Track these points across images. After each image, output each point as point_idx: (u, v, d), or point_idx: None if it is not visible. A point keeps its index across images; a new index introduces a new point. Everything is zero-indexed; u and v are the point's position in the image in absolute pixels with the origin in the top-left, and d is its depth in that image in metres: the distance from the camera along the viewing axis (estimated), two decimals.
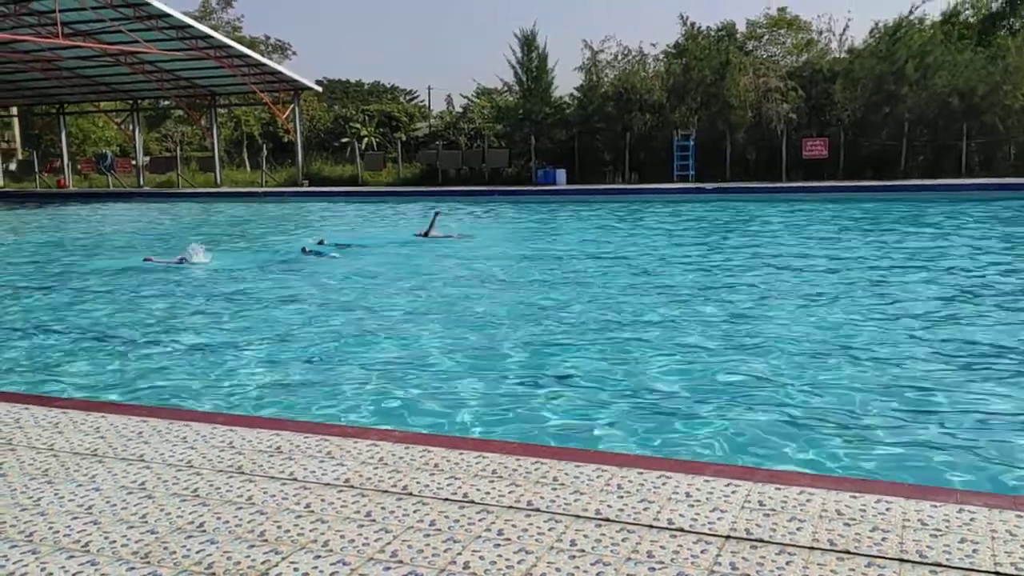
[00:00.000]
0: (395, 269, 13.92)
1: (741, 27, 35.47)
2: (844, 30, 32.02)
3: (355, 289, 12.13)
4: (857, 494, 3.65)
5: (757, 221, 19.96)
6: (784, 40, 34.55)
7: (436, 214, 18.19)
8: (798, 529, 3.33)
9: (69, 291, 12.67)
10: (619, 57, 33.11)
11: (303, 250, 15.80)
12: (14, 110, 48.16)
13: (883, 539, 3.22)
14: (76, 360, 8.27)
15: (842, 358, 7.48)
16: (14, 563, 3.17)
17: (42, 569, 3.11)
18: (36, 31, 31.07)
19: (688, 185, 28.40)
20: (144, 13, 30.16)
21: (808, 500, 3.60)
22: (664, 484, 3.79)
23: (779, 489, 3.72)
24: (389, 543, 3.28)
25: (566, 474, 3.94)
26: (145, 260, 15.09)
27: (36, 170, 42.15)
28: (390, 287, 12.24)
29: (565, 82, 47.12)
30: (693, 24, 33.69)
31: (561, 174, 30.92)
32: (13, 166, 45.09)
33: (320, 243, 16.23)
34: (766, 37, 35.11)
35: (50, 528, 3.47)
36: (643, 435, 5.74)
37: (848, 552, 3.13)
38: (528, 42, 33.86)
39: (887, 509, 3.49)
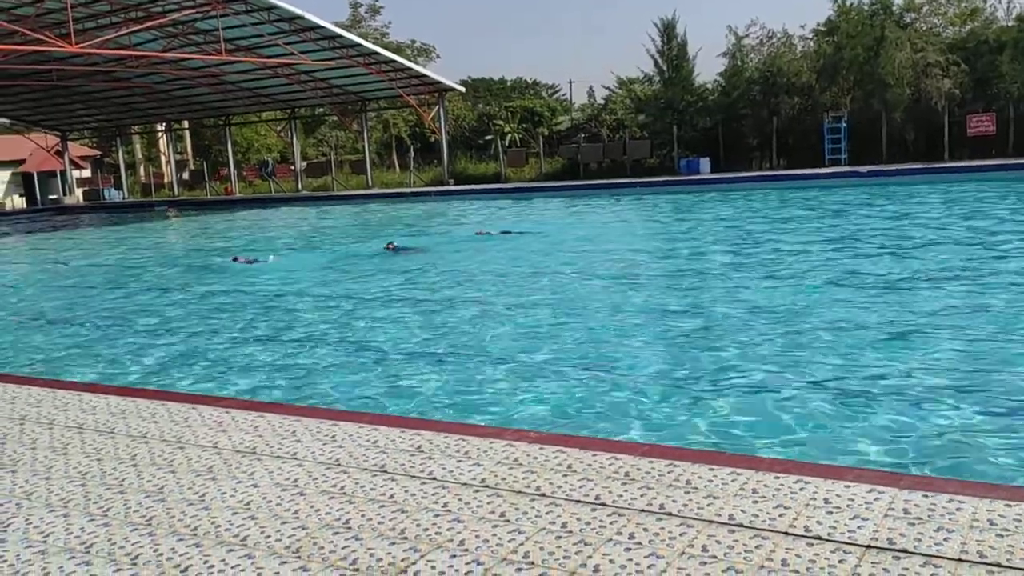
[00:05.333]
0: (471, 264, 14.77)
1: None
2: None
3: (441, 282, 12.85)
4: (1012, 502, 3.45)
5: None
6: (945, 11, 32.40)
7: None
8: (945, 540, 3.17)
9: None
10: (763, 41, 32.10)
11: (387, 247, 16.82)
12: (186, 123, 51.78)
13: None
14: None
15: None
16: (180, 555, 3.46)
17: (205, 562, 3.39)
18: (202, 49, 33.28)
19: (841, 169, 27.21)
20: (299, 26, 31.76)
21: (958, 508, 3.43)
22: (802, 489, 3.70)
23: (926, 496, 3.55)
24: (522, 544, 3.36)
25: (699, 477, 3.91)
26: (233, 260, 16.79)
27: (206, 179, 45.19)
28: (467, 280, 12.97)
29: (707, 69, 46.17)
30: (845, 0, 32.20)
31: (705, 163, 30.31)
32: (186, 175, 48.46)
33: (390, 246, 16.87)
34: (925, 8, 33.04)
35: (213, 523, 3.76)
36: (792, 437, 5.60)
37: (999, 565, 2.97)
38: (668, 30, 33.35)
39: None
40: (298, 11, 30.57)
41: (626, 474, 3.99)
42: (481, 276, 13.46)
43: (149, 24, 30.03)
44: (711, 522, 3.45)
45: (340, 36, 33.21)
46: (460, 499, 3.85)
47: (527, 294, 11.57)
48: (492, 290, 12.08)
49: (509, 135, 47.22)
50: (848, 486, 3.70)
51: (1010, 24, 29.28)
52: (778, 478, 3.84)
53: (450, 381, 7.38)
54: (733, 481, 3.83)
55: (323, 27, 32.12)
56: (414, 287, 12.82)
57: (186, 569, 3.34)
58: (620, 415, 6.20)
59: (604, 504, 3.68)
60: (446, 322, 9.95)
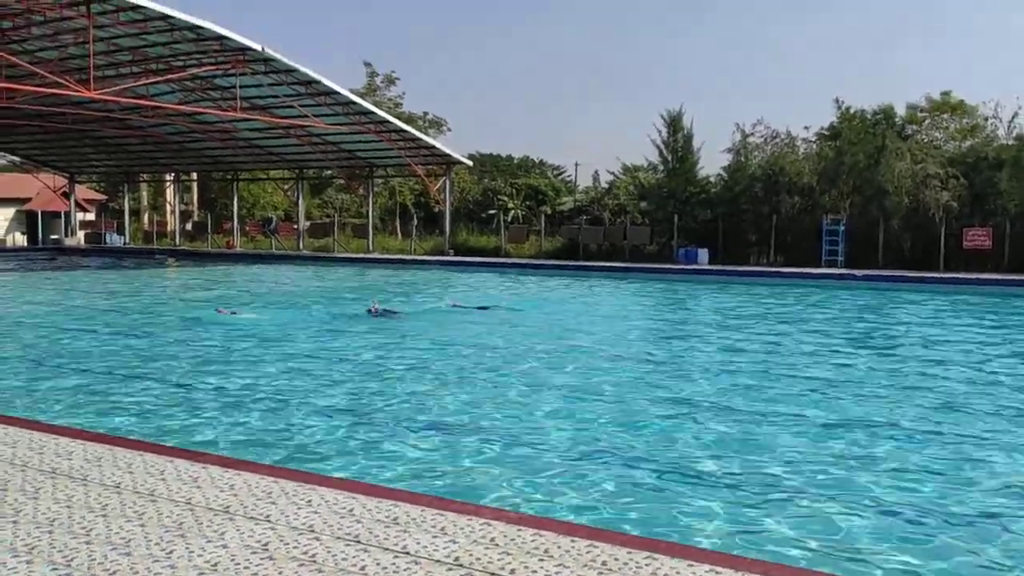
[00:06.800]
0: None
1: (900, 111, 34.34)
2: (1013, 117, 30.28)
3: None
4: None
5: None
6: (947, 125, 33.14)
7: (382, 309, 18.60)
8: None
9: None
10: (767, 140, 32.79)
11: (369, 309, 17.41)
12: (194, 175, 52.29)
13: None
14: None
15: None
16: None
17: None
18: (218, 104, 33.83)
19: (836, 271, 27.43)
20: (315, 90, 32.38)
21: None
22: None
23: None
24: None
25: (678, 573, 3.84)
26: (217, 311, 17.55)
27: (209, 231, 45.39)
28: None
29: (711, 162, 46.84)
30: (848, 107, 33.01)
31: (703, 253, 30.58)
32: (189, 226, 48.65)
33: (373, 308, 17.45)
34: (927, 121, 33.78)
35: None
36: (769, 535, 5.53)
37: None
38: (674, 122, 34.05)
39: None
40: (316, 75, 31.21)
41: (603, 563, 3.92)
42: (428, 346, 13.61)
43: (169, 77, 30.60)
44: None
45: (354, 103, 33.83)
46: None
47: (457, 369, 11.71)
48: (426, 358, 12.46)
49: (512, 211, 47.76)
50: None
51: (1010, 143, 29.91)
52: None
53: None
54: None
55: (338, 93, 32.75)
56: (372, 347, 13.34)
57: None
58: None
59: None
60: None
